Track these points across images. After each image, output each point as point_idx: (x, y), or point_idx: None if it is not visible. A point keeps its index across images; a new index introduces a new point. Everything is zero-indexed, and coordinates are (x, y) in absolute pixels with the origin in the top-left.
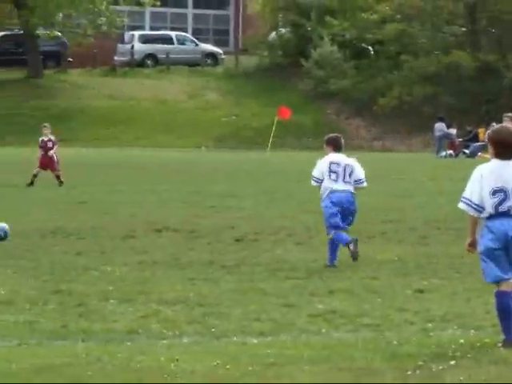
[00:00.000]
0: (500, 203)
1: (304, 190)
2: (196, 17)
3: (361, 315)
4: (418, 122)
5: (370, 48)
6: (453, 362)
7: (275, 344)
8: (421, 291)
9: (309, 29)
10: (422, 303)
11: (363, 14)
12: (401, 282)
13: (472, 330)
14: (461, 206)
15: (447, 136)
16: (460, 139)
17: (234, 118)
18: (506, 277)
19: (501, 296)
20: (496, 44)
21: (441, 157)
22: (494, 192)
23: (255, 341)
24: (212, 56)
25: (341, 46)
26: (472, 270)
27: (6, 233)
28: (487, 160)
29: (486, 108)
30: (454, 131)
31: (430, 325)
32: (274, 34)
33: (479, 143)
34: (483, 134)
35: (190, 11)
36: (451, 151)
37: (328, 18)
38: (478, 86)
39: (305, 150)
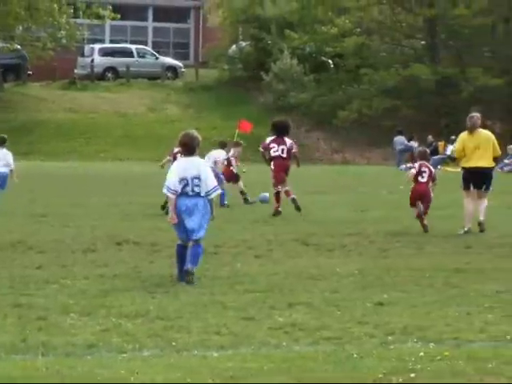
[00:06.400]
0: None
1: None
2: (156, 30)
3: (321, 328)
4: (378, 135)
5: (329, 61)
6: (413, 375)
7: (235, 357)
8: (381, 304)
9: (269, 42)
10: (382, 316)
11: (323, 28)
12: (361, 294)
13: (432, 343)
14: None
15: (408, 149)
16: None
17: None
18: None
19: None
20: (455, 57)
21: (401, 170)
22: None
23: (215, 354)
24: (172, 69)
25: (301, 60)
26: (432, 283)
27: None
28: (448, 172)
29: (445, 121)
30: (415, 144)
31: (390, 338)
32: (234, 47)
33: (439, 156)
34: (443, 147)
35: (150, 24)
36: (411, 164)
37: (288, 32)
38: (437, 99)
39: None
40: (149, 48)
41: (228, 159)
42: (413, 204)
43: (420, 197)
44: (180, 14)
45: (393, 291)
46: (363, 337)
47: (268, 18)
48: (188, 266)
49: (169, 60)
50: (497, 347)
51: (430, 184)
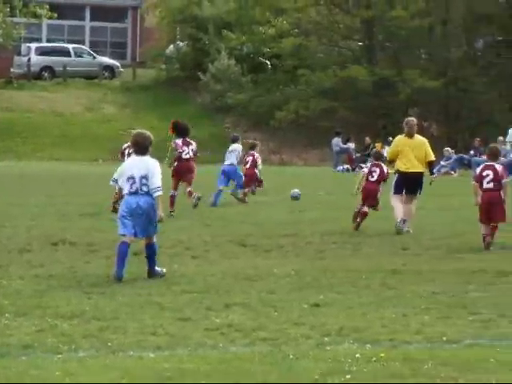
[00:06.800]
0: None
1: (202, 203)
2: (93, 29)
3: (257, 329)
4: (315, 136)
5: (267, 62)
6: (349, 376)
7: (172, 358)
8: (317, 305)
9: (206, 42)
10: (319, 317)
11: (260, 28)
12: (297, 295)
13: (368, 344)
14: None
15: (345, 150)
16: (359, 154)
17: (131, 131)
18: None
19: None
20: (392, 59)
21: (338, 171)
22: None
23: (152, 355)
24: (109, 69)
25: (238, 60)
26: (368, 284)
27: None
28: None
29: (382, 123)
30: (351, 145)
31: (326, 339)
32: (171, 47)
33: None
34: (380, 148)
35: (88, 24)
36: (348, 166)
37: (225, 32)
38: (374, 100)
39: (201, 163)
40: (86, 47)
41: (254, 161)
42: (363, 201)
43: (368, 195)
44: (117, 14)
45: (329, 292)
46: (299, 338)
47: (205, 18)
48: (150, 273)
49: (106, 59)
50: (433, 348)
51: (382, 184)
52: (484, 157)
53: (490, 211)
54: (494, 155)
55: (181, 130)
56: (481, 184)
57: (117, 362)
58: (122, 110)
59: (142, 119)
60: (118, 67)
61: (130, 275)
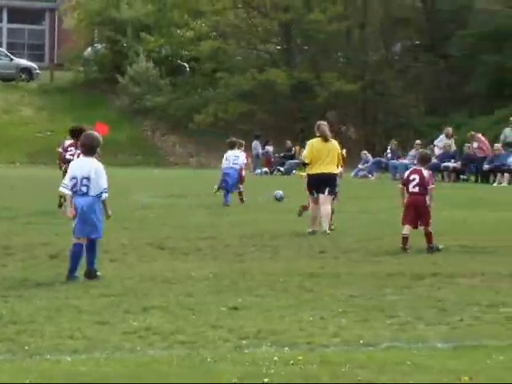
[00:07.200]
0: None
1: (120, 206)
2: (11, 31)
3: (175, 332)
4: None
5: (185, 65)
6: (266, 380)
7: (89, 362)
8: (235, 308)
9: (124, 45)
10: (237, 320)
11: (179, 31)
12: (215, 298)
13: (286, 347)
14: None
15: (264, 154)
16: (281, 155)
17: (48, 133)
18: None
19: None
20: (310, 62)
21: (256, 174)
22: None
23: (69, 358)
24: (27, 71)
25: (156, 63)
26: (286, 288)
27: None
28: (302, 177)
29: (300, 126)
30: (270, 149)
31: (244, 342)
32: (89, 49)
33: (294, 161)
34: (298, 151)
35: (5, 25)
36: (266, 168)
37: (144, 35)
38: (292, 104)
39: (120, 167)
40: (3, 49)
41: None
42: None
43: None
44: (35, 16)
45: (247, 295)
46: (217, 341)
47: (124, 21)
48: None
49: (23, 62)
50: (350, 351)
51: None
52: (401, 160)
53: (416, 215)
54: (423, 160)
55: (75, 132)
56: (407, 188)
57: (33, 365)
58: (40, 113)
59: (60, 122)
60: (35, 69)
61: (46, 279)
